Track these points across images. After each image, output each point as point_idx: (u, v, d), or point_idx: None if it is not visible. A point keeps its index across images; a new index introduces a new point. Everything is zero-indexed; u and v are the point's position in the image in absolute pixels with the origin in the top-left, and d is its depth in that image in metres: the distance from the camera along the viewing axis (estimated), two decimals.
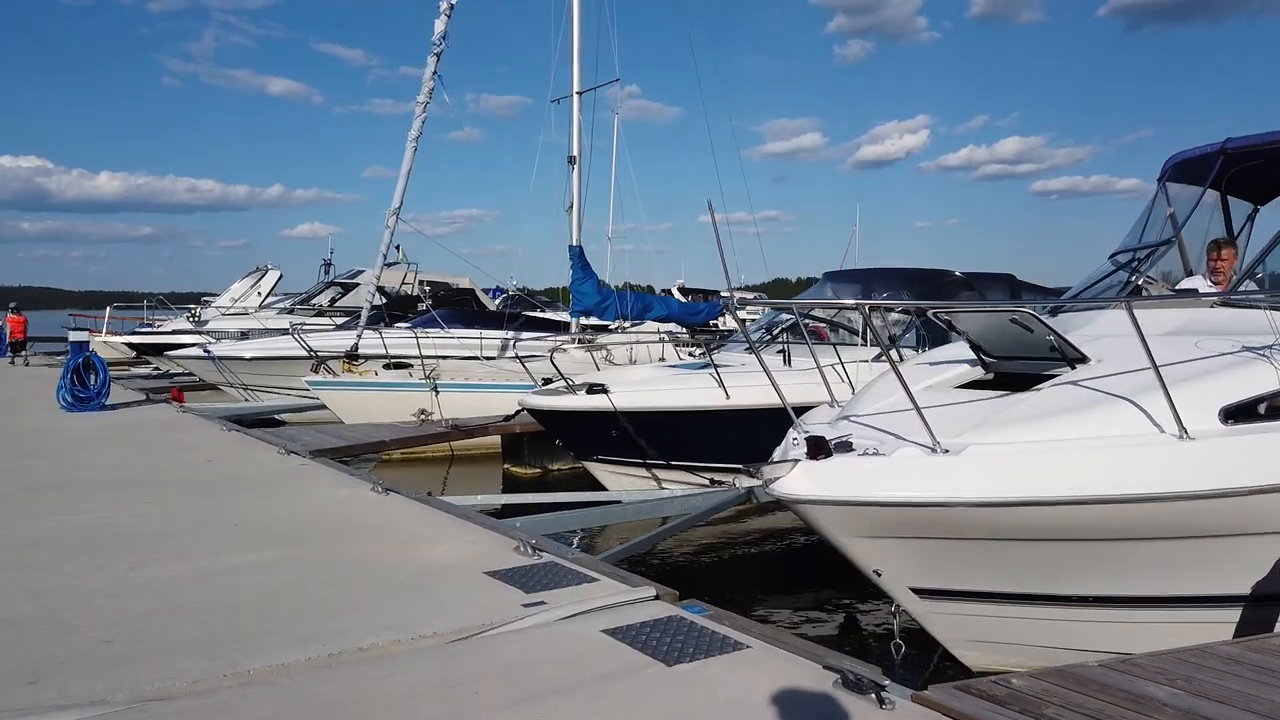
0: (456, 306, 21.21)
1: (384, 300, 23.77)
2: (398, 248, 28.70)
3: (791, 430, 5.18)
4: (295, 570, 4.75)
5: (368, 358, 12.41)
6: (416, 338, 12.27)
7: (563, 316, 24.16)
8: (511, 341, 15.15)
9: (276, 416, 13.89)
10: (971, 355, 5.50)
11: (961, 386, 5.31)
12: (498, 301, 25.33)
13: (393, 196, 12.36)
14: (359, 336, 12.37)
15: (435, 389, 12.13)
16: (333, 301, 24.64)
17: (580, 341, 14.18)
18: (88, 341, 12.44)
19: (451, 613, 4.01)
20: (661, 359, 14.06)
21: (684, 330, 16.46)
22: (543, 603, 4.12)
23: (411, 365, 15.47)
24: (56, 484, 7.22)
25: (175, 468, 8.04)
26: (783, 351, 9.89)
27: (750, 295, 53.62)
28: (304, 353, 15.48)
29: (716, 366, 9.84)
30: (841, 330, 11.51)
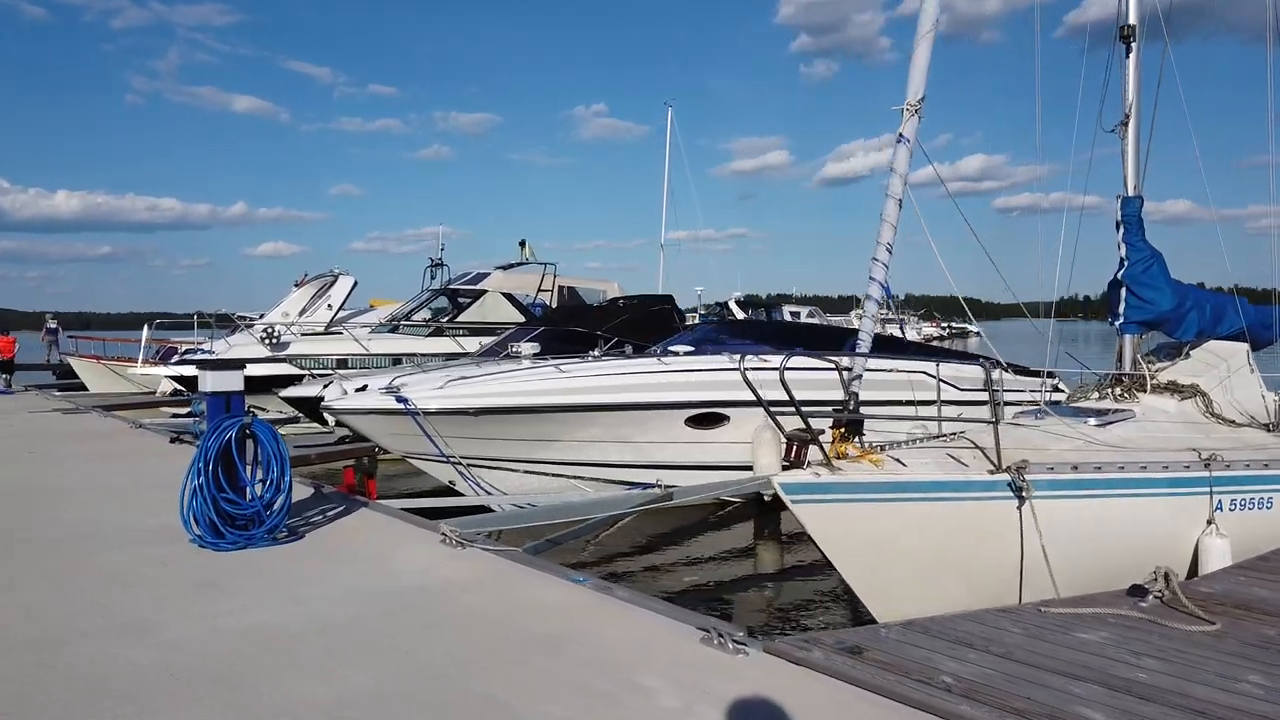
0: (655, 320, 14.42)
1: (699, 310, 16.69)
2: (522, 244, 21.61)
3: None
4: None
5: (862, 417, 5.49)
6: (939, 380, 5.53)
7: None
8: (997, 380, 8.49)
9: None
10: None
11: None
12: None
13: (906, 89, 5.70)
14: (857, 378, 5.48)
15: (1019, 492, 5.37)
16: (452, 317, 17.52)
17: (1153, 385, 7.47)
18: (241, 394, 5.53)
19: None
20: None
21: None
22: None
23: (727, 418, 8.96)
24: None
25: None
26: None
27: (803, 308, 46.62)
28: (569, 401, 8.57)
29: None
30: None
